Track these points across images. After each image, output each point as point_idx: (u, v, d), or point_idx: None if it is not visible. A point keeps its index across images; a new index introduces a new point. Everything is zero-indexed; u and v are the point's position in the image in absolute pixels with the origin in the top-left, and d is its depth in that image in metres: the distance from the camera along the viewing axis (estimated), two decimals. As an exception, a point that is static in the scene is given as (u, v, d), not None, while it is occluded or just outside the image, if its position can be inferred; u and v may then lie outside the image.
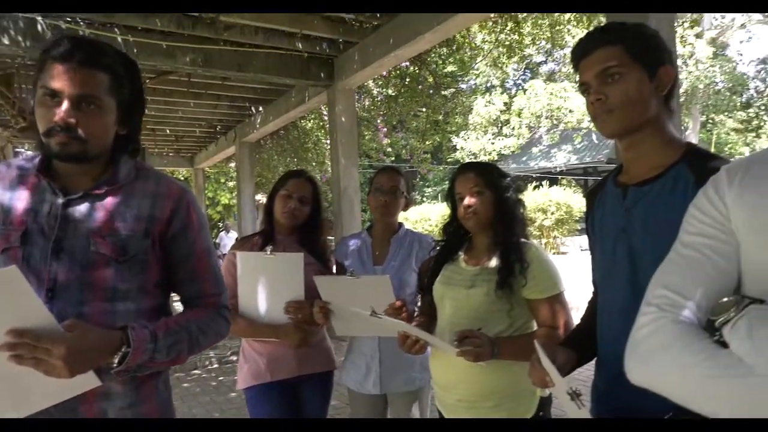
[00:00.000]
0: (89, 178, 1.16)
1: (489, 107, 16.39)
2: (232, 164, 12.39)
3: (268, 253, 1.91)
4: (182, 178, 18.29)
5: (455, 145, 17.42)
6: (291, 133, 9.07)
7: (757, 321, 0.60)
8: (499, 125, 17.19)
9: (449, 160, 21.73)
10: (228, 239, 13.22)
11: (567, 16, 5.61)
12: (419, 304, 1.92)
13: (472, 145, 16.50)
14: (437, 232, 1.82)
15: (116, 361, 1.04)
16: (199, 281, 1.25)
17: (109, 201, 1.15)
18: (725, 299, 0.66)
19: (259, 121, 8.05)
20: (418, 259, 2.00)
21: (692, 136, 19.56)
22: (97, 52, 1.09)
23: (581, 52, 1.13)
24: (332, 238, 5.10)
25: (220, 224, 20.12)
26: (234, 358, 5.30)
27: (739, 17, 18.55)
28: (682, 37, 13.32)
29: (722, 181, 0.76)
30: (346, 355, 2.09)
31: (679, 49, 14.78)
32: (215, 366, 5.24)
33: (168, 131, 9.41)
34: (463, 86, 13.57)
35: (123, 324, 1.07)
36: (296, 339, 1.87)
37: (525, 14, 5.32)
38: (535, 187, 13.45)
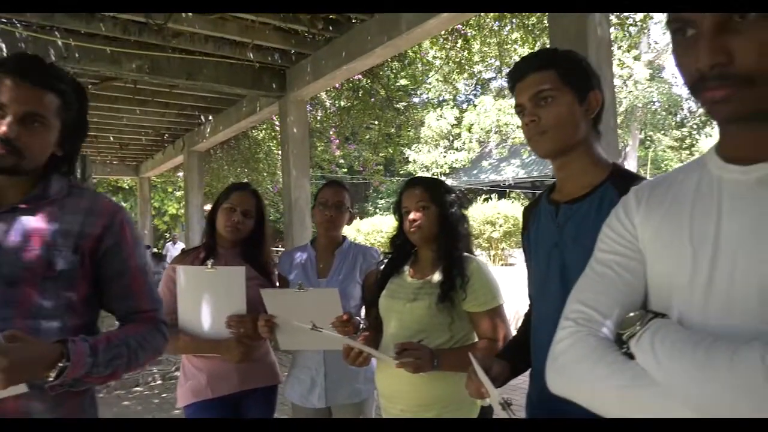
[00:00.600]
0: (18, 192, 1.14)
1: (440, 121, 16.71)
2: (180, 173, 12.08)
3: (209, 267, 1.88)
4: (127, 187, 17.65)
5: (408, 158, 17.63)
6: (242, 143, 8.94)
7: (658, 334, 0.65)
8: (451, 139, 17.55)
9: (402, 172, 21.95)
10: (175, 250, 12.84)
11: (514, 35, 5.82)
12: (364, 316, 1.93)
13: (424, 157, 16.76)
14: (388, 244, 1.84)
15: (53, 375, 1.01)
16: (135, 298, 1.24)
17: (38, 216, 1.13)
18: (632, 314, 0.70)
19: (208, 130, 7.89)
20: (362, 272, 2.02)
21: (632, 153, 20.60)
22: (51, 75, 1.12)
23: (517, 76, 1.19)
24: (282, 249, 5.03)
25: (167, 234, 19.51)
26: (178, 374, 5.12)
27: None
28: (620, 60, 14.04)
29: (630, 203, 0.82)
30: (290, 369, 2.07)
31: (618, 71, 15.59)
32: (158, 383, 5.04)
33: (112, 138, 9.08)
34: (416, 100, 13.80)
35: (62, 337, 1.05)
36: (238, 354, 1.83)
37: (474, 32, 5.49)
38: (484, 200, 13.79)
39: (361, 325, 1.83)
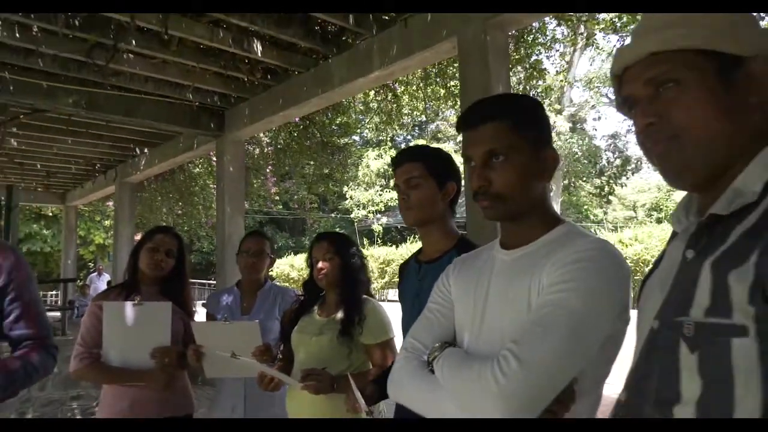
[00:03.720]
0: None
1: (378, 161, 17.28)
2: (110, 203, 11.82)
3: (136, 302, 2.09)
4: (50, 214, 16.88)
5: (345, 194, 18.04)
6: (177, 176, 8.98)
7: (446, 358, 0.98)
8: (387, 178, 18.13)
9: (340, 207, 22.25)
10: (100, 282, 12.39)
11: (442, 92, 6.37)
12: (281, 348, 2.20)
13: (361, 195, 17.19)
14: (301, 287, 2.14)
15: None
16: (29, 326, 1.48)
17: None
18: (437, 344, 1.04)
19: (143, 162, 7.90)
20: (281, 309, 2.30)
21: (556, 198, 22.01)
22: None
23: (395, 162, 1.56)
24: (214, 282, 5.13)
25: (91, 265, 18.67)
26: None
27: (590, 99, 21.69)
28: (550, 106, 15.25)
29: (450, 269, 1.19)
30: (214, 396, 2.29)
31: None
32: (78, 418, 4.95)
33: (39, 166, 8.85)
34: (356, 137, 14.32)
35: None
36: (162, 381, 2.03)
37: (403, 88, 6.00)
38: (418, 238, 14.32)
39: (278, 356, 2.10)
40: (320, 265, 1.94)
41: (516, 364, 0.85)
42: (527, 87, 5.61)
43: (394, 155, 1.61)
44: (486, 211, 1.04)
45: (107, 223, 15.76)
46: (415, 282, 1.54)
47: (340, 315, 1.92)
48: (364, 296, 1.97)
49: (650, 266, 0.86)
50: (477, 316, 1.04)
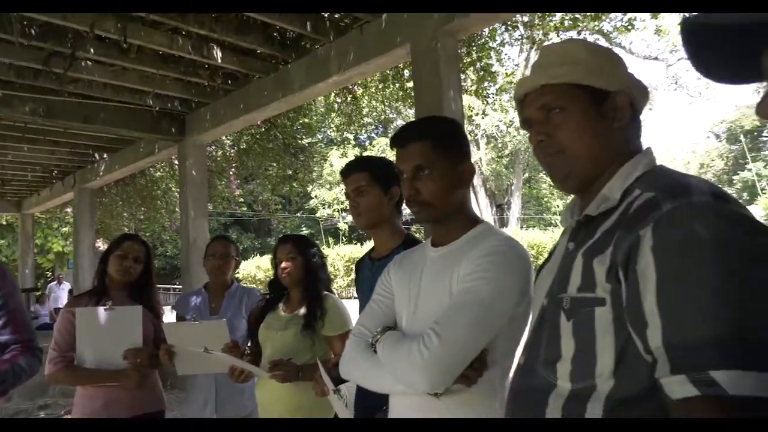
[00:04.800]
0: None
1: (342, 160, 17.40)
2: (69, 209, 11.58)
3: (108, 306, 2.20)
4: (4, 223, 16.34)
5: (310, 194, 18.08)
6: (138, 181, 8.90)
7: (386, 339, 1.17)
8: (352, 177, 18.25)
9: (306, 207, 22.23)
10: (61, 291, 12.12)
11: (400, 93, 6.55)
12: (249, 344, 2.35)
13: (326, 194, 17.27)
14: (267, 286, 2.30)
15: None
16: (15, 332, 1.63)
17: None
18: (379, 329, 1.23)
19: (102, 168, 7.82)
20: (247, 308, 2.45)
21: (516, 191, 22.61)
22: None
23: (343, 175, 1.75)
24: (180, 286, 5.18)
25: (49, 273, 18.14)
26: (68, 417, 5.05)
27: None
28: (503, 107, 15.66)
29: (391, 265, 1.38)
30: (187, 392, 2.43)
31: (503, 117, 17.33)
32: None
33: (-7, 174, 8.64)
34: (320, 136, 14.42)
35: None
36: (135, 380, 2.15)
37: (362, 91, 6.17)
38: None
39: (246, 352, 2.25)
40: (284, 264, 2.10)
41: (436, 339, 1.05)
42: (479, 89, 5.88)
43: (342, 167, 1.79)
44: (416, 215, 1.26)
45: (65, 230, 15.37)
46: (369, 277, 1.72)
47: (303, 310, 2.09)
48: (325, 292, 2.14)
49: (546, 256, 1.06)
50: (412, 303, 1.23)
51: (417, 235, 1.89)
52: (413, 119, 1.59)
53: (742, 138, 31.08)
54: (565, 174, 0.95)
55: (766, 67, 0.55)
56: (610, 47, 1.11)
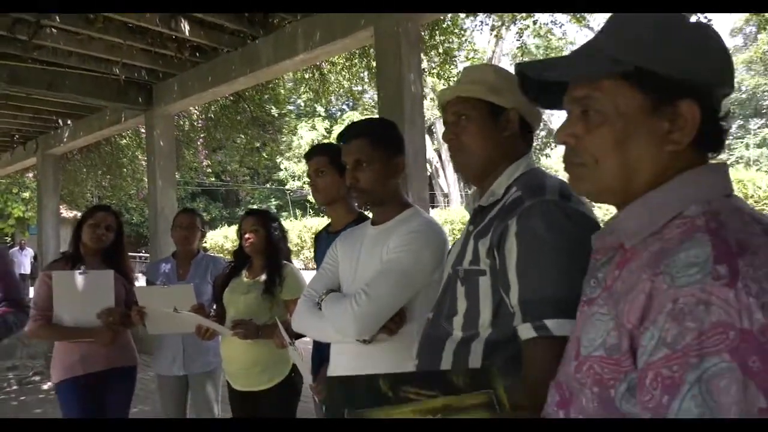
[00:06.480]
0: None
1: (311, 132, 17.39)
2: (30, 174, 11.37)
3: (82, 270, 2.40)
4: (-39, 187, 15.86)
5: (279, 165, 18.08)
6: (103, 149, 8.84)
7: (329, 298, 1.43)
8: (321, 149, 18.30)
9: (275, 178, 22.17)
10: (23, 257, 12.00)
11: (366, 72, 6.68)
12: (215, 307, 2.58)
13: (295, 167, 17.29)
14: (232, 255, 2.53)
15: None
16: (5, 290, 1.86)
17: None
18: (324, 291, 1.48)
19: (66, 134, 7.74)
20: (213, 275, 2.68)
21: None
22: None
23: (306, 158, 1.98)
24: (146, 255, 5.29)
25: (8, 239, 17.76)
26: (36, 378, 5.21)
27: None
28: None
29: (339, 239, 1.64)
30: (156, 349, 2.66)
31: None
32: (14, 387, 5.09)
33: (-50, 138, 8.44)
34: (291, 107, 14.40)
35: None
36: (108, 337, 2.38)
37: (329, 68, 6.29)
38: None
39: (211, 313, 2.49)
40: (247, 235, 2.33)
41: (365, 297, 1.32)
42: (441, 71, 6.09)
43: (306, 151, 2.02)
44: (355, 200, 1.58)
45: (26, 195, 15.06)
46: (326, 249, 1.96)
47: (264, 277, 2.33)
48: (284, 262, 2.38)
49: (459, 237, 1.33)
50: (352, 271, 1.49)
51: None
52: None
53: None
54: (464, 167, 1.22)
55: (565, 101, 0.78)
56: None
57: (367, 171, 1.46)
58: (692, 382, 0.54)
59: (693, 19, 0.77)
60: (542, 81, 0.80)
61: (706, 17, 4.40)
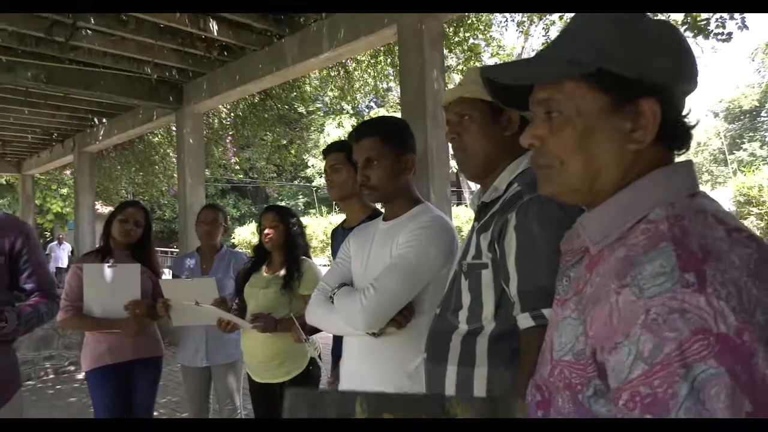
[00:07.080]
0: None
1: (339, 129, 17.48)
2: (67, 171, 11.79)
3: (111, 264, 2.49)
4: (4, 183, 16.54)
5: (307, 163, 18.25)
6: (136, 146, 9.10)
7: (341, 292, 1.46)
8: (348, 147, 18.39)
9: (302, 175, 22.36)
10: (61, 251, 12.44)
11: (391, 69, 6.69)
12: (237, 301, 2.65)
13: (322, 164, 17.38)
14: (252, 250, 2.58)
15: None
16: (39, 281, 1.90)
17: None
18: (337, 285, 1.51)
19: (102, 132, 8.01)
20: (235, 270, 2.75)
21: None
22: None
23: (323, 153, 2.01)
24: (177, 249, 5.44)
25: (47, 234, 18.45)
26: (71, 368, 5.42)
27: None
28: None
29: (352, 234, 1.67)
30: (181, 340, 2.75)
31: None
32: (51, 376, 5.31)
33: (-6, 135, 8.81)
34: (319, 104, 14.52)
35: None
36: (135, 328, 2.47)
37: (355, 65, 6.33)
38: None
39: (233, 307, 2.55)
40: (267, 231, 2.39)
41: (373, 291, 1.34)
42: (465, 69, 6.03)
43: (327, 145, 2.05)
44: (366, 197, 1.59)
45: (64, 191, 15.60)
46: (341, 244, 2.00)
47: (283, 272, 2.38)
48: (303, 257, 2.42)
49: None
50: (364, 265, 1.52)
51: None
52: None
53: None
54: (467, 165, 1.24)
55: (530, 103, 0.77)
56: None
57: (377, 169, 1.49)
58: (685, 395, 0.52)
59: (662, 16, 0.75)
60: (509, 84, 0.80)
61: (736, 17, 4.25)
